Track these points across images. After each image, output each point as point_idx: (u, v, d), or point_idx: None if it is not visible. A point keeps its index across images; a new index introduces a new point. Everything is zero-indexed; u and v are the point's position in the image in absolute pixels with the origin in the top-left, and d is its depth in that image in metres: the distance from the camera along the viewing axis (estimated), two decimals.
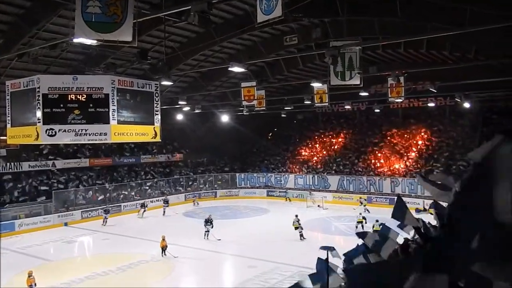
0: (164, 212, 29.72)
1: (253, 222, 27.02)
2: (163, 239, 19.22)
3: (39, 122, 13.55)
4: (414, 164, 32.52)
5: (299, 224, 21.87)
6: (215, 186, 37.69)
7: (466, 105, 27.94)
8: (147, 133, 15.53)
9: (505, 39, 17.32)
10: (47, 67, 22.69)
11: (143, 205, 29.98)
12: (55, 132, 13.59)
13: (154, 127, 15.49)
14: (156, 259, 18.91)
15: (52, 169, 29.98)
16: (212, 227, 22.24)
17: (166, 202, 30.63)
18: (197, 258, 19.21)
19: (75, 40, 8.72)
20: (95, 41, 8.59)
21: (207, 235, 21.99)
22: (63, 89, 13.54)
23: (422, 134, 34.87)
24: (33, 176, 28.81)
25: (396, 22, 18.55)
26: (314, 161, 37.37)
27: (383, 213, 20.69)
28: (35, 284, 14.38)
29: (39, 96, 13.37)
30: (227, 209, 32.03)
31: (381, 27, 19.88)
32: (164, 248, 19.05)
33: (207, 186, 37.57)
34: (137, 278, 16.74)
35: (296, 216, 22.35)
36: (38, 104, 13.39)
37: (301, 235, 21.38)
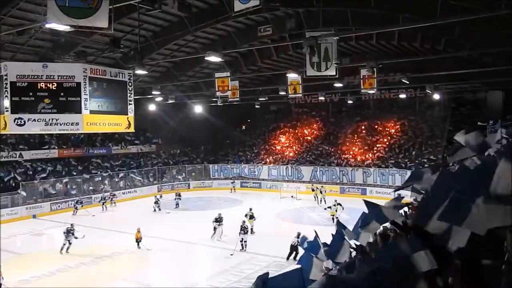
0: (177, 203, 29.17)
1: (227, 213, 26.90)
2: (138, 231, 18.97)
3: (7, 111, 13.12)
4: (385, 154, 33.14)
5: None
6: (188, 177, 37.43)
7: (436, 96, 28.65)
8: (121, 123, 15.29)
9: (474, 31, 17.79)
10: (13, 55, 21.85)
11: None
12: (24, 121, 13.20)
13: (127, 117, 15.28)
14: (129, 251, 18.66)
15: (19, 160, 29.08)
16: (250, 231, 19.63)
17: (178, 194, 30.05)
18: (172, 249, 19.07)
19: (47, 26, 8.38)
20: (69, 27, 8.27)
21: (245, 245, 18.46)
22: (33, 77, 13.12)
23: (393, 124, 35.54)
24: None
25: (369, 13, 18.71)
26: (288, 152, 37.58)
27: (355, 203, 21.01)
28: (3, 278, 13.94)
29: (6, 84, 12.92)
30: (201, 200, 31.91)
31: (354, 18, 20.02)
32: (139, 240, 18.81)
33: (180, 177, 37.28)
34: (111, 271, 16.49)
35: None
36: (6, 93, 12.95)
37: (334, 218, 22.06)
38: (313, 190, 30.82)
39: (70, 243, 18.32)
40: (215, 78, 24.56)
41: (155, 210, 27.55)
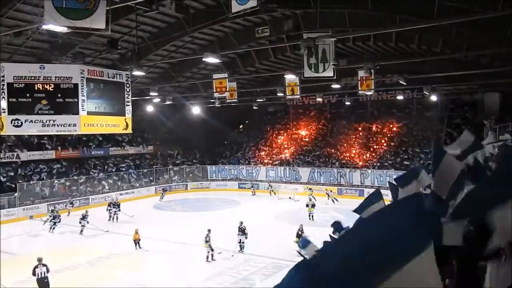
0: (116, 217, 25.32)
1: (225, 215, 26.96)
2: (136, 232, 18.94)
3: (4, 112, 13.11)
4: (383, 156, 33.18)
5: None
6: (186, 178, 37.39)
7: (433, 98, 28.71)
8: (118, 124, 15.27)
9: (471, 33, 17.84)
10: (10, 56, 21.79)
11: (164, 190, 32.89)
12: (21, 122, 13.18)
13: (125, 118, 15.26)
14: (127, 252, 18.62)
15: (16, 161, 29.00)
16: (246, 237, 18.32)
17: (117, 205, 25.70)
18: (169, 250, 19.03)
19: (45, 27, 8.36)
20: (66, 28, 8.25)
21: (243, 246, 18.31)
22: (30, 78, 13.12)
23: (391, 126, 35.59)
24: None
25: (366, 14, 18.76)
26: (285, 153, 37.59)
27: (353, 205, 21.03)
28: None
29: (3, 85, 12.90)
30: (198, 201, 31.88)
31: (352, 19, 20.06)
32: (137, 241, 18.78)
33: (177, 178, 37.24)
34: (108, 271, 16.44)
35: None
36: (3, 94, 12.93)
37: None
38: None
39: None
40: (212, 79, 24.54)
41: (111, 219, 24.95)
